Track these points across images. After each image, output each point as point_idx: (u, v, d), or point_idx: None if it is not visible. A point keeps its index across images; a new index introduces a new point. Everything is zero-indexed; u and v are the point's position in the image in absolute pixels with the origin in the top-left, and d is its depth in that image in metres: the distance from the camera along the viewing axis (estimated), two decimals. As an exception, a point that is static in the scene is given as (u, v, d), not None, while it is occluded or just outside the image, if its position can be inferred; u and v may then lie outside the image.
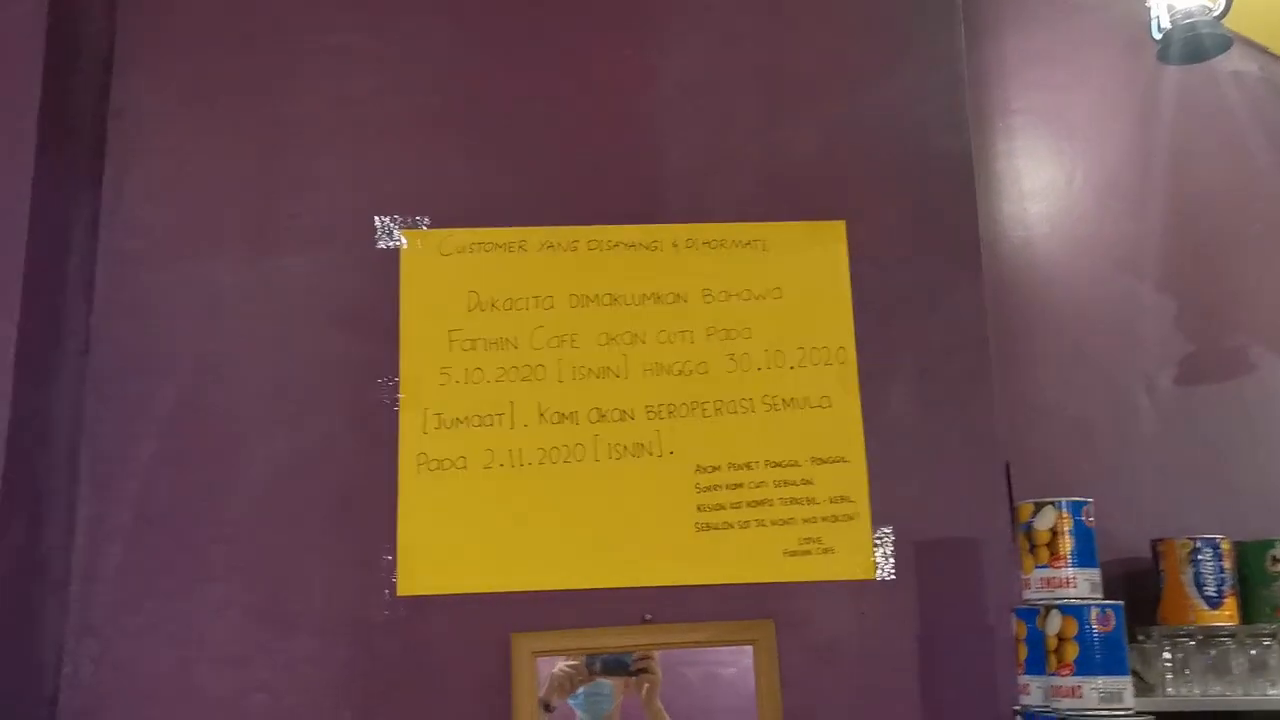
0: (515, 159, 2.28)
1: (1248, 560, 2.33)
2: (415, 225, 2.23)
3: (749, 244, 2.27)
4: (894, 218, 2.30)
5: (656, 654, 2.08)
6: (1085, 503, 1.94)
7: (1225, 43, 2.46)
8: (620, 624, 2.07)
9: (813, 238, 2.27)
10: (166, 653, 2.02)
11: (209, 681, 2.02)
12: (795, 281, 2.25)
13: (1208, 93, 2.76)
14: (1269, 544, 2.33)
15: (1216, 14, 2.45)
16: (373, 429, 2.13)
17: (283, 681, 2.02)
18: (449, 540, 2.09)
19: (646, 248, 2.25)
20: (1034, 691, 1.93)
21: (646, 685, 2.08)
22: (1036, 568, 1.93)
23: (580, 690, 2.08)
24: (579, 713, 2.09)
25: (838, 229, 2.27)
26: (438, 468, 2.12)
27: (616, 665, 2.08)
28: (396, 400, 2.15)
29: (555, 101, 2.32)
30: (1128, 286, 2.65)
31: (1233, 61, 2.72)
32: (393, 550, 2.08)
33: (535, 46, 2.34)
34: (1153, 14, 2.53)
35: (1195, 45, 2.45)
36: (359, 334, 2.18)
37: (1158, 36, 2.51)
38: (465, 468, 2.12)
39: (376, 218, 2.22)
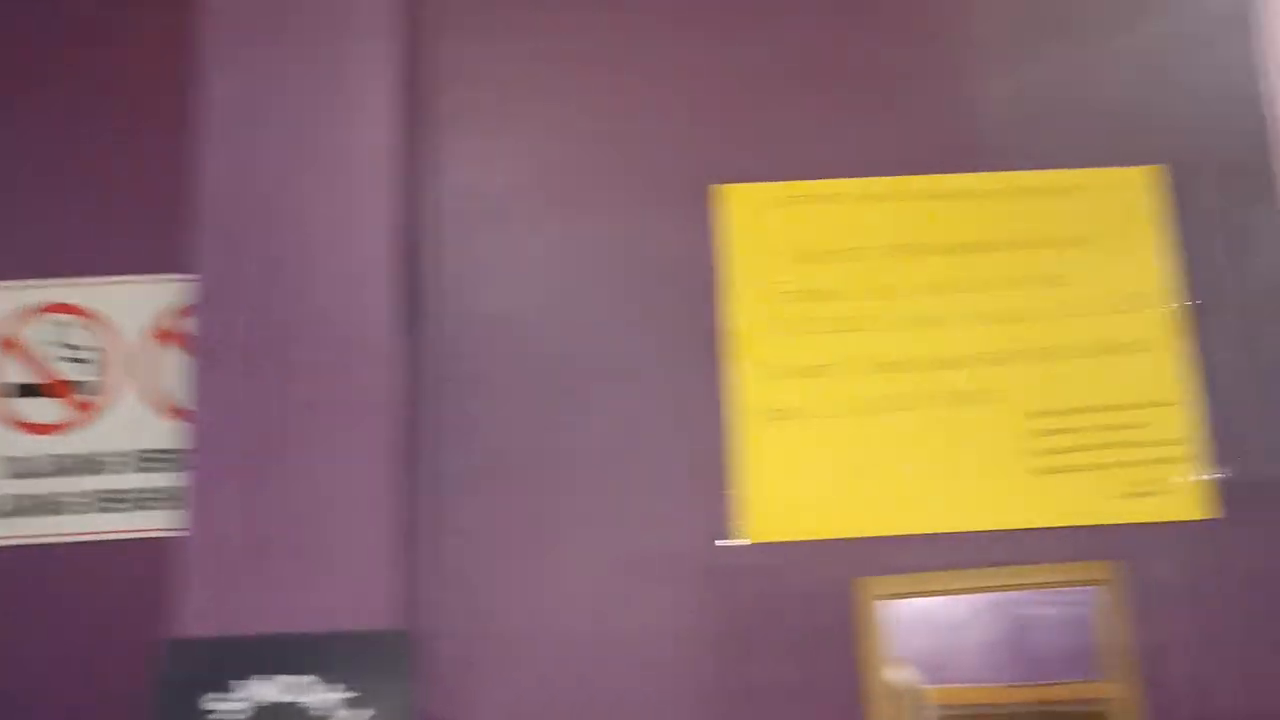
0: (831, 114, 2.30)
1: None
2: (737, 180, 2.26)
3: (1064, 191, 2.27)
4: (1207, 162, 2.30)
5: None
6: None
7: None
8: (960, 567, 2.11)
9: (1127, 183, 2.28)
10: (531, 601, 2.08)
11: (573, 627, 2.08)
12: (1112, 226, 2.26)
13: None
14: None
15: None
16: (709, 381, 2.17)
17: (638, 629, 2.08)
18: (795, 488, 2.13)
19: (963, 197, 2.26)
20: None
21: None
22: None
23: None
24: None
25: (1153, 174, 2.28)
26: (778, 418, 2.15)
27: None
28: (730, 353, 2.18)
29: (869, 55, 2.33)
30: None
31: None
32: (741, 499, 2.12)
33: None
34: None
35: None
36: (686, 288, 2.21)
37: None
38: (804, 417, 2.16)
39: (696, 176, 2.26)
